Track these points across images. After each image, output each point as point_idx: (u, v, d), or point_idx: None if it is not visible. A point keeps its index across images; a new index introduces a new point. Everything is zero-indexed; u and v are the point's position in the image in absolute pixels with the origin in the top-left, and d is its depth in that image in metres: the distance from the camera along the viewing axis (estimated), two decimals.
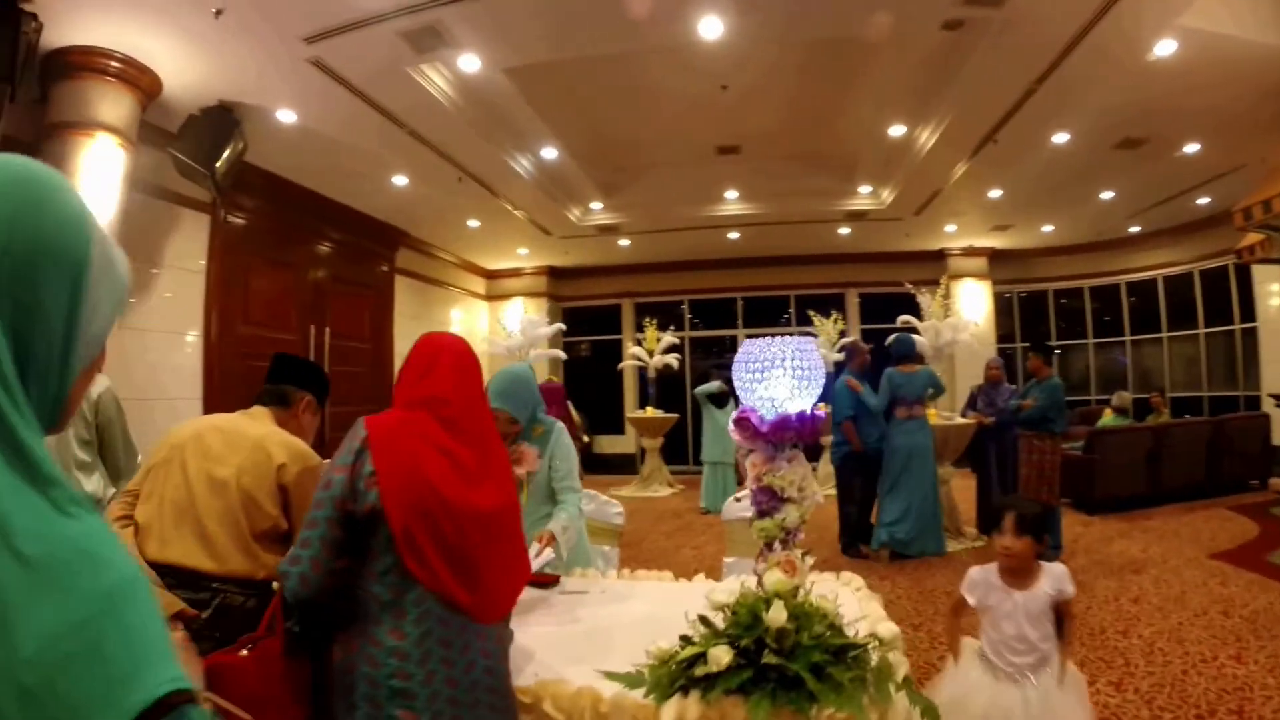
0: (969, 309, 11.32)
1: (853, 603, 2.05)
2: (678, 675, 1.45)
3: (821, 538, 6.85)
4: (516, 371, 2.63)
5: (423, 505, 1.46)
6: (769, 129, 7.85)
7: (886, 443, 6.32)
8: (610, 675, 1.61)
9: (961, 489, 7.12)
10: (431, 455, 1.51)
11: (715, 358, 12.70)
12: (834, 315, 10.59)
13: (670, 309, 13.15)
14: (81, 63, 4.94)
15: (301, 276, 8.30)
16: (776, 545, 1.84)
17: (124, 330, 5.89)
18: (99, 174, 5.02)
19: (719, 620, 1.53)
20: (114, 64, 5.03)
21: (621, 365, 12.09)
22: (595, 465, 12.71)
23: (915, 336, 7.02)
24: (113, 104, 5.11)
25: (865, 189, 9.37)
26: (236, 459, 2.02)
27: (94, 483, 2.91)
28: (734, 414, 1.98)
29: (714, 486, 8.66)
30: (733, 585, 1.67)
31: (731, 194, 9.78)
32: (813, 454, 10.42)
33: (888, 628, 1.54)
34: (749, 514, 2.00)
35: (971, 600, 2.46)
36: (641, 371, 11.32)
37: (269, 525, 2.00)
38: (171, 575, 1.92)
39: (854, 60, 6.34)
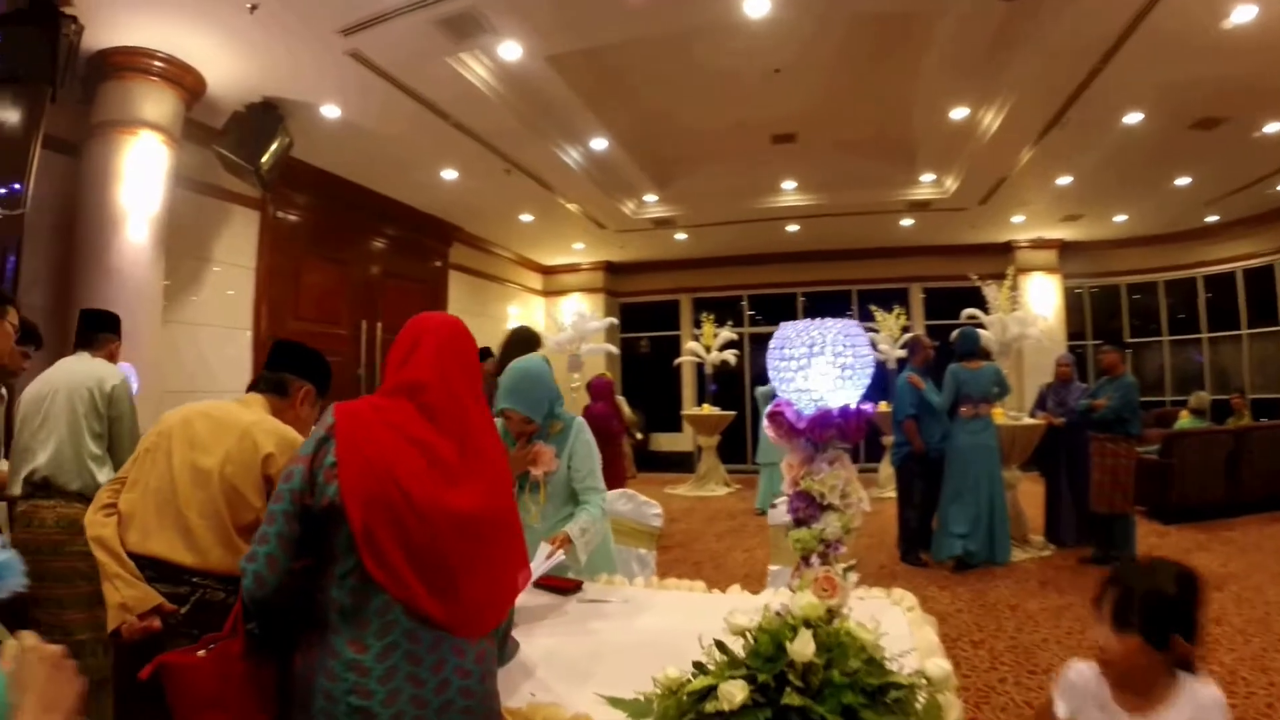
0: (1037, 304, 10.82)
1: (902, 627, 1.81)
2: (687, 708, 1.25)
3: (881, 543, 6.56)
4: (527, 367, 2.43)
5: (386, 501, 1.28)
6: (825, 115, 7.54)
7: (949, 443, 5.97)
8: (613, 701, 1.42)
9: (1029, 494, 6.69)
10: (402, 447, 1.33)
11: None
12: (897, 310, 10.26)
13: (729, 304, 12.90)
14: (125, 63, 5.00)
15: (353, 272, 8.35)
16: (814, 559, 1.62)
17: (175, 324, 5.99)
18: (143, 171, 5.10)
19: (739, 647, 1.32)
20: (157, 63, 5.08)
21: (678, 361, 11.93)
22: (652, 463, 12.68)
23: (981, 331, 6.64)
24: (156, 103, 5.17)
25: (928, 177, 8.98)
26: (222, 448, 1.93)
27: (104, 475, 2.84)
28: (768, 408, 1.76)
29: (770, 488, 8.40)
30: (760, 602, 1.45)
31: (789, 184, 9.49)
32: (873, 454, 10.09)
33: (938, 665, 1.30)
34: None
35: (1062, 712, 1.63)
36: (700, 368, 11.10)
37: (252, 518, 1.88)
38: (152, 568, 1.86)
39: (910, 38, 5.99)
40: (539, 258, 12.77)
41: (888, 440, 8.64)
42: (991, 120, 6.80)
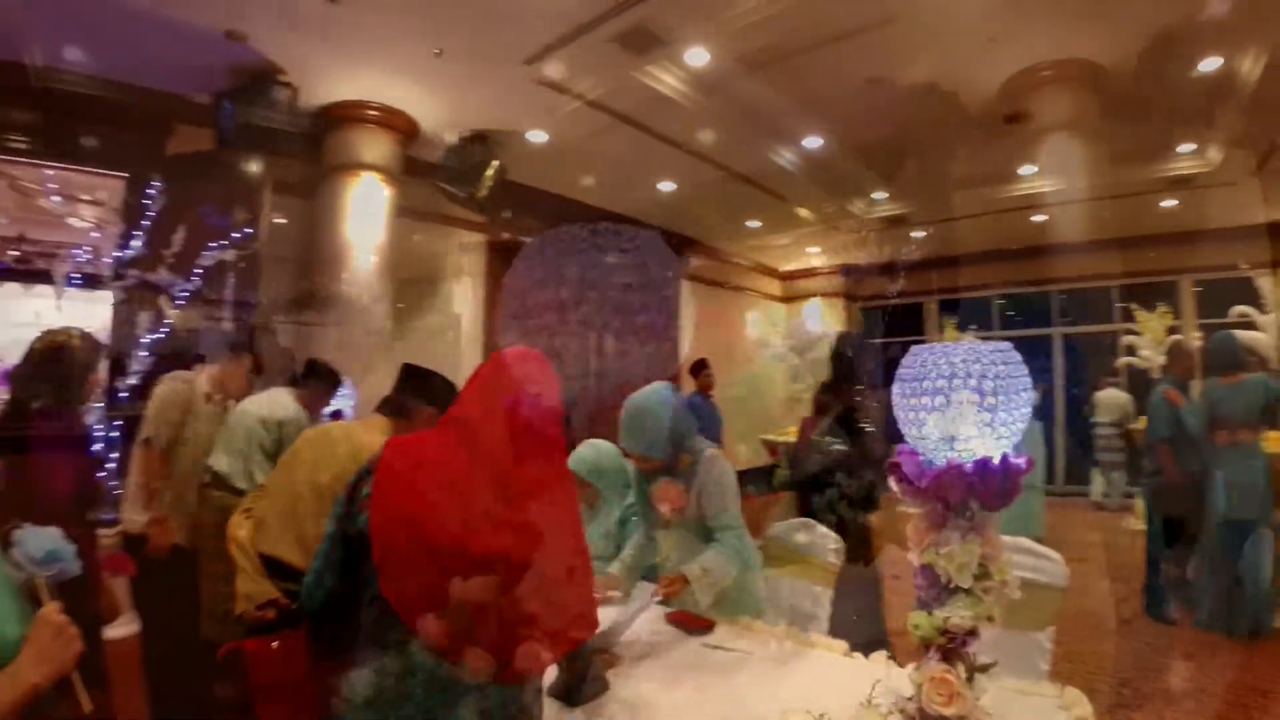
0: None
1: None
2: None
3: (1132, 589, 5.32)
4: (640, 404, 2.31)
5: (406, 536, 1.26)
6: (1056, 84, 6.66)
7: (1207, 477, 4.83)
8: None
9: None
10: (434, 483, 1.30)
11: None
12: (1162, 308, 8.85)
13: (978, 306, 11.97)
14: (344, 114, 5.64)
15: (581, 287, 8.70)
16: (933, 652, 1.35)
17: (406, 344, 6.56)
18: (367, 208, 5.70)
19: None
20: (371, 112, 5.66)
21: None
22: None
23: (1248, 334, 5.44)
24: (374, 146, 5.76)
25: (1186, 148, 7.71)
26: (336, 466, 2.15)
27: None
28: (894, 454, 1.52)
29: (1020, 510, 7.51)
30: (901, 680, 1.22)
31: (1028, 169, 8.56)
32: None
33: None
34: None
35: None
36: None
37: None
38: (274, 567, 2.14)
39: None
40: (774, 263, 12.61)
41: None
42: (1251, 68, 5.57)
